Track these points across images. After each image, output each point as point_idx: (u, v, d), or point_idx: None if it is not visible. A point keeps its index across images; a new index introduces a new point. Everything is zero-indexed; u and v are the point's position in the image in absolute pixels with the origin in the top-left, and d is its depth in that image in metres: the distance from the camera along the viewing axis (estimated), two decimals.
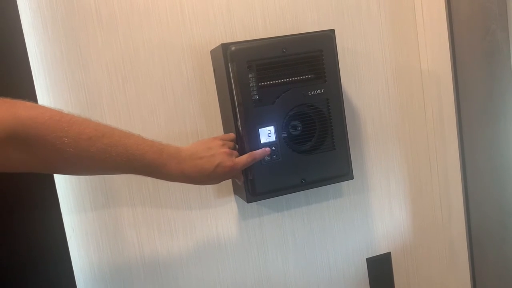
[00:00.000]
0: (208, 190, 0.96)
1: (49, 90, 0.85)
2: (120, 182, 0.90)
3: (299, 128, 0.88)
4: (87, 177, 0.89)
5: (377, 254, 1.10)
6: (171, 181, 0.73)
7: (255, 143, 0.85)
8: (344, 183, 1.05)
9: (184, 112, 0.93)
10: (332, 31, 0.90)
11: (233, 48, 0.83)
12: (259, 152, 0.83)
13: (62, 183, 0.87)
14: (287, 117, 0.87)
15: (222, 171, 0.76)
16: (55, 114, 0.57)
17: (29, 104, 0.56)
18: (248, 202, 0.88)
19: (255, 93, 0.84)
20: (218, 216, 0.97)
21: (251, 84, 0.84)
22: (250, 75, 0.84)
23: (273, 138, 0.86)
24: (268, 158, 0.86)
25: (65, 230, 0.84)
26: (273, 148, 0.87)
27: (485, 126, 0.95)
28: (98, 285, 0.91)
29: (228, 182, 0.97)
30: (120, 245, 0.92)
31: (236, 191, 0.96)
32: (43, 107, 0.58)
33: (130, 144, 0.65)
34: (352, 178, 0.94)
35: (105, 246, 0.91)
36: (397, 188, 1.10)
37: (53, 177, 0.82)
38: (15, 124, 0.54)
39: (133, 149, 0.65)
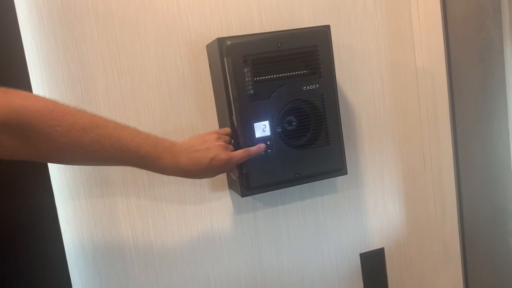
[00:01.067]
0: (203, 184, 0.96)
1: (45, 83, 0.85)
2: (115, 174, 0.91)
3: (294, 123, 0.89)
4: (82, 169, 0.89)
5: (371, 249, 1.11)
6: (166, 174, 0.73)
7: (250, 138, 0.86)
8: (339, 178, 1.05)
9: (180, 107, 0.94)
10: (328, 27, 0.90)
11: (228, 42, 0.83)
12: (254, 148, 0.84)
13: (57, 175, 0.87)
14: (282, 112, 0.87)
15: (217, 164, 0.76)
16: (49, 104, 0.58)
17: (23, 93, 0.57)
18: (242, 196, 0.89)
19: (251, 88, 0.85)
20: (212, 210, 0.98)
21: (246, 79, 0.84)
22: (245, 70, 0.84)
23: (268, 132, 0.87)
24: (263, 153, 0.86)
25: (60, 222, 0.84)
26: (268, 143, 0.87)
27: (479, 123, 0.96)
28: (92, 277, 0.91)
29: (223, 177, 0.97)
30: (115, 238, 0.92)
31: (231, 185, 0.96)
32: (37, 97, 0.58)
33: (124, 136, 0.65)
34: (346, 173, 0.94)
35: (99, 238, 0.91)
36: (391, 184, 1.11)
37: (47, 169, 0.83)
38: (7, 112, 0.54)
39: (127, 140, 0.65)
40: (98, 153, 0.62)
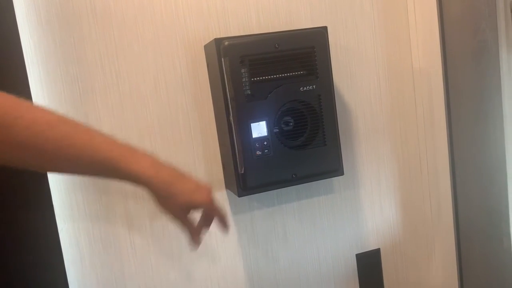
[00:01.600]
0: None
1: (43, 82, 0.85)
2: None
3: (291, 123, 0.89)
4: None
5: (367, 250, 1.11)
6: (139, 182, 0.61)
7: (247, 138, 0.86)
8: (335, 179, 1.06)
9: (177, 107, 0.94)
10: (325, 28, 0.91)
11: (226, 43, 0.84)
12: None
13: (55, 175, 0.87)
14: (279, 113, 0.88)
15: (201, 195, 0.66)
16: (15, 99, 0.52)
17: None
18: (239, 196, 0.89)
19: (248, 88, 0.85)
20: None
21: (243, 79, 0.85)
22: (243, 70, 0.85)
23: (265, 133, 0.87)
24: (260, 153, 0.87)
25: (57, 221, 0.84)
26: (265, 143, 0.87)
27: (474, 124, 0.96)
28: (88, 276, 0.91)
29: (220, 176, 0.98)
30: (112, 238, 0.92)
31: (228, 185, 0.97)
32: (4, 94, 0.52)
33: (96, 135, 0.58)
34: (342, 174, 0.95)
35: (96, 238, 0.91)
36: (387, 185, 1.11)
37: None
38: None
39: (99, 141, 0.58)
40: (65, 151, 0.55)
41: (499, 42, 0.86)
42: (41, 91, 0.85)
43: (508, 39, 0.86)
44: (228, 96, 0.85)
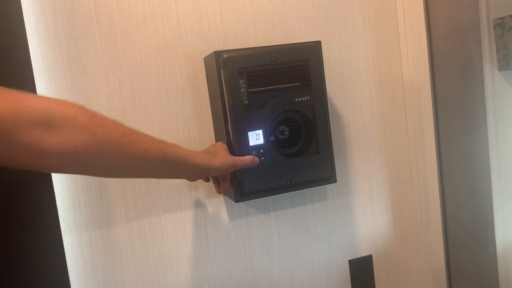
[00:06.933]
0: (198, 190, 1.00)
1: (49, 90, 0.89)
2: (113, 180, 0.94)
3: (286, 132, 0.93)
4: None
5: (359, 256, 1.15)
6: (201, 170, 0.82)
7: (244, 146, 0.90)
8: (328, 186, 1.10)
9: (177, 116, 0.98)
10: (319, 42, 0.95)
11: (225, 55, 0.88)
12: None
13: (58, 179, 0.90)
14: (275, 122, 0.92)
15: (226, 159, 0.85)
16: (123, 128, 0.68)
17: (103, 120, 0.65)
18: (236, 201, 0.93)
19: (245, 99, 0.89)
20: (207, 215, 1.02)
21: (241, 90, 0.89)
22: (240, 82, 0.89)
23: (261, 141, 0.91)
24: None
25: (60, 225, 0.87)
26: (261, 151, 0.91)
27: (460, 135, 1.01)
28: (90, 278, 0.94)
29: None
30: (113, 242, 0.95)
31: (225, 192, 1.00)
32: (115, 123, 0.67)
33: (162, 143, 0.75)
34: (335, 181, 0.99)
35: (98, 242, 0.94)
36: (378, 192, 1.15)
37: (50, 173, 0.86)
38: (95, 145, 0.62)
39: (166, 146, 0.75)
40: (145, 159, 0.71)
41: (482, 56, 0.91)
42: None
43: (491, 53, 0.91)
44: (227, 106, 0.89)
